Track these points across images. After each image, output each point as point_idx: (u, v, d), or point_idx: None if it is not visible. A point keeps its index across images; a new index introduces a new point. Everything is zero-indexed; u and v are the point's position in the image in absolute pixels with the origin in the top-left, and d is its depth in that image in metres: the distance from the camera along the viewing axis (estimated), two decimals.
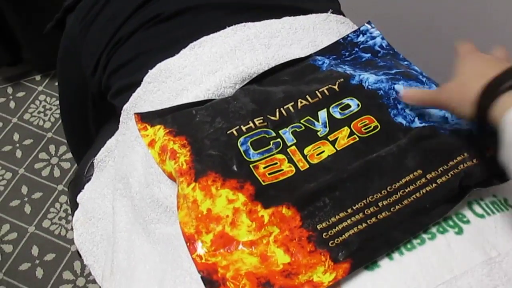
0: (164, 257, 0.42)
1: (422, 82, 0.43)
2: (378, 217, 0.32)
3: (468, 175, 0.34)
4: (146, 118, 0.43)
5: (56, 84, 1.12)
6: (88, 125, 0.67)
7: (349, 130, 0.39)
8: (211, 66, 0.46)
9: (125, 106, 0.51)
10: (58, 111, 1.34)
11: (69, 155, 1.28)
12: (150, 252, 0.44)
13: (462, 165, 0.34)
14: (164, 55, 0.48)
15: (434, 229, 0.32)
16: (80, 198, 0.57)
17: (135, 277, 0.44)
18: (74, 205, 0.60)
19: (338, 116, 0.40)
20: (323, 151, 0.37)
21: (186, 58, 0.47)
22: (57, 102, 1.35)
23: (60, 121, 1.32)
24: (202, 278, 0.32)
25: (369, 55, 0.48)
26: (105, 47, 0.54)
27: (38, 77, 1.37)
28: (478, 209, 0.33)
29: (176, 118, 0.42)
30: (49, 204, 1.20)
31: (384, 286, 0.30)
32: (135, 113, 0.44)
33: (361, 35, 0.49)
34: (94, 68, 0.57)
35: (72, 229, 1.14)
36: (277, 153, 0.38)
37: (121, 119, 0.52)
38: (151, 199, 0.44)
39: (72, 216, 0.60)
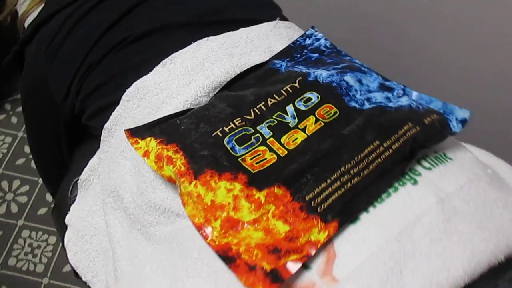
0: (170, 253, 0.46)
1: (365, 72, 0.51)
2: (352, 182, 0.40)
3: (414, 139, 0.42)
4: (136, 133, 0.48)
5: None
6: (61, 150, 0.69)
7: (314, 118, 0.46)
8: (184, 79, 0.52)
9: (105, 125, 0.55)
10: (7, 145, 1.31)
11: (25, 188, 1.26)
12: (154, 253, 0.49)
13: (409, 132, 0.43)
14: (138, 74, 0.53)
15: (396, 184, 0.40)
16: (68, 219, 0.60)
17: (143, 278, 0.48)
18: (62, 228, 0.63)
19: (303, 108, 0.47)
20: (296, 138, 0.45)
21: (160, 74, 0.52)
22: (4, 136, 1.33)
23: (9, 155, 1.30)
24: (220, 256, 0.38)
25: (317, 54, 0.56)
26: (75, 73, 0.58)
27: None
28: (426, 164, 0.42)
29: (163, 129, 0.47)
30: (11, 241, 1.18)
31: (365, 234, 0.38)
32: (125, 130, 0.48)
33: (307, 39, 0.57)
34: (65, 94, 0.60)
35: (40, 262, 1.14)
36: (259, 145, 0.45)
37: (102, 138, 0.56)
38: (147, 205, 0.48)
39: (62, 239, 0.62)
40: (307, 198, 0.40)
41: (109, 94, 0.55)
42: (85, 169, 0.59)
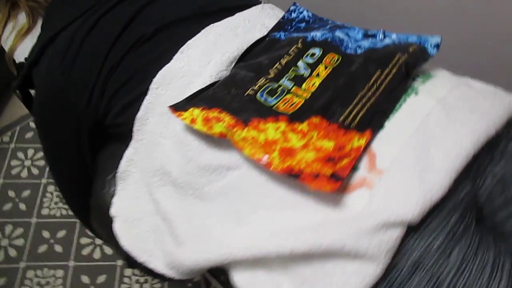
0: (228, 202, 0.54)
1: (348, 27, 0.63)
2: (370, 101, 0.50)
3: (406, 63, 0.53)
4: (178, 107, 0.55)
5: None
6: (85, 158, 0.74)
7: (323, 65, 0.56)
8: (203, 60, 0.60)
9: (138, 116, 0.62)
10: None
11: (19, 231, 1.26)
12: (211, 208, 0.55)
13: (400, 60, 0.54)
14: (159, 65, 0.61)
15: (403, 97, 0.51)
16: (113, 211, 0.65)
17: (207, 230, 0.55)
18: (106, 225, 0.67)
19: (311, 61, 0.57)
20: (314, 83, 0.54)
21: (180, 60, 0.60)
22: None
23: None
24: (288, 176, 0.46)
25: (304, 24, 0.66)
26: (97, 78, 0.64)
27: None
28: (419, 80, 0.53)
29: (201, 99, 0.55)
30: (18, 285, 1.17)
31: (393, 134, 0.48)
32: (169, 106, 0.55)
33: (293, 13, 0.67)
34: (88, 100, 0.66)
35: None
36: (286, 94, 0.54)
37: (135, 128, 0.63)
38: (197, 169, 0.56)
39: (109, 235, 0.67)
40: (340, 119, 0.49)
41: (135, 89, 0.62)
42: (122, 162, 0.65)
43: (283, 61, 0.58)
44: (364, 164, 0.47)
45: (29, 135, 1.49)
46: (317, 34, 0.61)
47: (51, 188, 1.36)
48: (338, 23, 0.65)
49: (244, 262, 0.51)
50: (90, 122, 0.68)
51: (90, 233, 1.26)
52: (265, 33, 0.64)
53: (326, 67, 0.56)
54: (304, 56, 0.58)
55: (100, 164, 0.73)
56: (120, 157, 0.67)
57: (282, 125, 0.50)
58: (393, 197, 0.44)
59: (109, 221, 0.67)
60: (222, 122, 0.51)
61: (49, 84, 0.69)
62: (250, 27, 0.64)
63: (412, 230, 0.44)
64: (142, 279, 1.19)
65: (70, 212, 1.23)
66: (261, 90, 0.54)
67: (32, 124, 1.51)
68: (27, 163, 1.41)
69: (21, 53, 0.86)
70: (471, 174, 0.50)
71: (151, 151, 0.61)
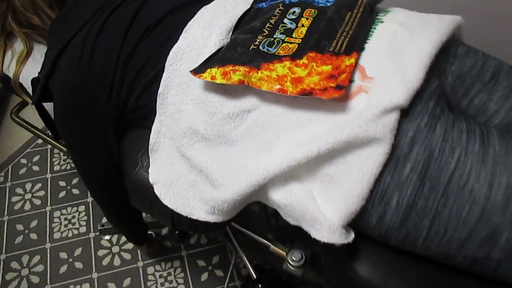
0: (254, 137, 0.65)
1: None
2: (350, 33, 0.64)
3: (369, 3, 0.68)
4: (197, 71, 0.67)
5: None
6: (112, 148, 0.83)
7: (305, 18, 0.70)
8: (205, 34, 0.72)
9: (159, 92, 0.72)
10: None
11: (36, 259, 1.30)
12: (241, 148, 0.66)
13: (363, 2, 0.68)
14: (170, 46, 0.72)
15: (373, 26, 0.65)
16: (152, 179, 0.75)
17: (241, 164, 0.66)
18: (146, 196, 0.77)
19: (294, 17, 0.71)
20: (302, 31, 0.68)
21: (186, 38, 0.72)
22: None
23: (5, 238, 1.33)
24: (301, 95, 0.58)
25: None
26: (115, 70, 0.74)
27: None
28: (381, 13, 0.68)
29: (214, 60, 0.67)
30: None
31: (373, 50, 0.62)
32: (190, 71, 0.67)
33: None
34: (109, 91, 0.76)
35: None
36: (282, 43, 0.67)
37: (158, 103, 0.73)
38: (222, 118, 0.67)
39: (150, 206, 0.76)
40: (330, 50, 0.63)
41: (152, 70, 0.73)
42: (151, 135, 0.75)
43: (272, 21, 0.71)
44: (357, 76, 0.60)
45: (22, 171, 1.54)
46: None
47: (57, 213, 1.42)
48: None
49: (278, 179, 0.63)
50: (113, 111, 0.78)
51: (106, 243, 1.33)
52: (249, 7, 0.77)
53: (307, 19, 0.69)
54: (287, 15, 0.71)
55: (127, 149, 0.83)
56: (146, 136, 0.77)
57: (287, 63, 0.63)
58: (385, 91, 0.57)
59: (148, 193, 0.77)
60: (238, 71, 0.63)
61: (70, 86, 0.78)
62: (236, 3, 0.77)
63: (404, 115, 0.58)
64: (165, 273, 1.27)
65: (82, 230, 1.30)
66: (261, 44, 0.67)
67: (24, 160, 1.56)
68: (28, 196, 1.46)
69: (26, 76, 0.95)
70: (436, 73, 0.65)
71: (176, 118, 0.72)
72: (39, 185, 1.49)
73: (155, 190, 0.75)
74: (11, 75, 0.96)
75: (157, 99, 0.73)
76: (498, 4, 0.99)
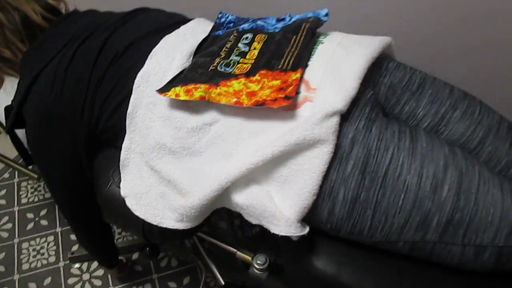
0: (217, 147, 0.72)
1: (265, 18, 0.87)
2: (295, 53, 0.74)
3: (311, 28, 0.78)
4: (163, 89, 0.74)
5: None
6: (84, 168, 0.88)
7: (256, 42, 0.79)
8: (168, 59, 0.80)
9: (128, 111, 0.79)
10: None
11: None
12: (205, 157, 0.74)
13: (306, 27, 0.79)
14: (136, 70, 0.80)
15: (315, 47, 0.76)
16: (123, 193, 0.81)
17: (206, 174, 0.73)
18: (119, 207, 0.82)
19: (247, 42, 0.80)
20: (254, 53, 0.77)
21: (152, 63, 0.80)
22: None
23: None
24: (255, 106, 0.67)
25: (232, 24, 0.90)
26: (86, 92, 0.81)
27: None
28: (322, 37, 0.79)
29: (178, 80, 0.75)
30: None
31: (315, 66, 0.72)
32: (156, 90, 0.74)
33: (222, 18, 0.91)
34: (81, 112, 0.82)
35: None
36: (237, 64, 0.76)
37: (127, 123, 0.80)
38: (187, 132, 0.74)
39: (120, 217, 0.82)
40: (279, 67, 0.72)
41: (120, 92, 0.80)
42: (122, 152, 0.82)
43: (228, 45, 0.80)
44: (303, 88, 0.70)
45: None
46: (245, 26, 0.85)
47: (25, 244, 1.43)
48: (256, 18, 0.89)
49: (239, 183, 0.70)
50: (84, 132, 0.84)
51: (76, 271, 1.34)
52: (206, 35, 0.86)
53: (258, 42, 0.79)
54: (241, 40, 0.81)
55: (99, 167, 0.88)
56: (117, 155, 0.83)
57: (242, 79, 0.72)
58: (327, 99, 0.67)
59: (120, 206, 0.82)
60: (200, 89, 0.71)
61: (43, 111, 0.84)
62: (194, 33, 0.86)
63: (344, 119, 0.67)
64: None
65: (51, 260, 1.32)
66: (219, 65, 0.76)
67: None
68: None
69: None
70: (370, 84, 0.75)
71: (145, 135, 0.79)
72: (6, 218, 1.50)
73: (126, 203, 0.81)
74: None
75: (127, 119, 0.80)
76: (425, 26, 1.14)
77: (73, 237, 1.44)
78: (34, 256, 1.39)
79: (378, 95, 0.77)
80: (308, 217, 0.70)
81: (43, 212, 1.52)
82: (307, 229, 0.69)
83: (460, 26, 1.11)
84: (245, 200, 0.70)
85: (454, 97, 0.78)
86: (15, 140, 0.95)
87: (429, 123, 0.77)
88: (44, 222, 1.48)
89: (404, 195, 0.65)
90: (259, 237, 0.98)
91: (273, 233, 0.69)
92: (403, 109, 0.78)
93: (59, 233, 1.45)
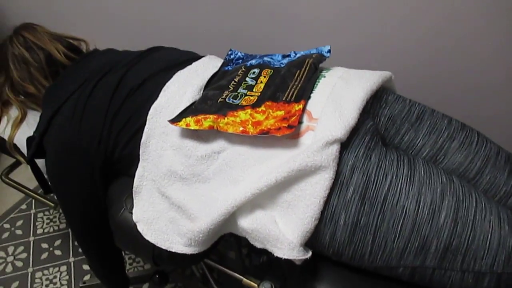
0: (225, 174, 0.76)
1: (271, 54, 0.93)
2: (298, 86, 0.79)
3: (314, 63, 0.84)
4: (174, 120, 0.79)
5: None
6: (99, 194, 0.93)
7: (263, 76, 0.85)
8: (180, 92, 0.86)
9: (142, 141, 0.84)
10: None
11: None
12: (213, 184, 0.77)
13: (309, 62, 0.84)
14: (150, 102, 0.85)
15: (317, 80, 0.80)
16: (135, 218, 0.85)
17: (214, 199, 0.76)
18: (131, 232, 0.86)
19: (254, 76, 0.86)
20: (260, 86, 0.82)
21: (165, 95, 0.86)
22: None
23: None
24: (260, 134, 0.71)
25: (241, 60, 0.96)
26: (103, 124, 0.87)
27: None
28: (324, 71, 0.84)
29: (189, 111, 0.80)
30: None
31: (317, 98, 0.76)
32: (168, 120, 0.79)
33: (231, 55, 0.97)
34: (98, 141, 0.87)
35: None
36: (245, 96, 0.81)
37: (140, 152, 0.85)
38: (197, 159, 0.78)
39: (132, 241, 0.85)
40: (283, 98, 0.77)
41: (135, 123, 0.86)
42: (135, 180, 0.86)
43: (236, 79, 0.86)
44: (305, 118, 0.74)
45: (5, 235, 1.59)
46: (253, 61, 0.90)
47: (39, 274, 1.46)
48: (263, 54, 0.95)
49: (245, 208, 0.74)
50: (100, 160, 0.89)
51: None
52: (216, 70, 0.92)
53: (265, 77, 0.85)
54: (248, 74, 0.87)
55: (113, 194, 0.93)
56: (130, 182, 0.88)
57: (248, 110, 0.76)
58: (327, 128, 0.71)
59: (132, 232, 0.86)
60: (209, 119, 0.76)
61: (62, 141, 0.89)
62: (205, 68, 0.92)
63: (345, 148, 0.71)
64: None
65: None
66: (227, 97, 0.81)
67: (7, 225, 1.61)
68: (10, 259, 1.50)
69: (20, 138, 1.06)
70: (370, 115, 0.79)
71: (157, 163, 0.83)
72: (21, 247, 1.54)
73: (138, 228, 0.84)
74: (6, 138, 1.07)
75: (140, 148, 0.85)
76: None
77: (85, 267, 1.46)
78: (47, 286, 1.42)
79: (378, 125, 0.81)
80: (311, 242, 0.72)
81: (57, 243, 1.55)
82: (309, 253, 0.71)
83: (464, 69, 1.17)
84: (250, 225, 0.73)
85: (452, 127, 0.82)
86: (35, 170, 1.00)
87: (428, 153, 0.81)
88: (58, 252, 1.52)
89: (403, 220, 0.67)
90: (266, 266, 1.00)
91: (279, 261, 0.72)
92: (403, 139, 0.82)
93: (72, 263, 1.48)
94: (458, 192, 0.69)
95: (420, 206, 0.67)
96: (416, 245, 0.67)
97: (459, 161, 0.79)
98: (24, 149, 1.06)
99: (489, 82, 1.18)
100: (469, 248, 0.66)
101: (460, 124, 0.83)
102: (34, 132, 0.96)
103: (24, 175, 1.30)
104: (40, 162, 1.00)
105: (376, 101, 0.82)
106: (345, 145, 0.71)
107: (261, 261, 1.01)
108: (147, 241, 0.83)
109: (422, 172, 0.71)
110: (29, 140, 0.96)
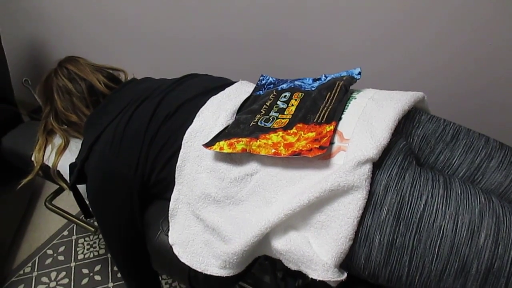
0: (257, 196, 0.77)
1: (302, 78, 0.95)
2: (329, 108, 0.80)
3: (344, 85, 0.85)
4: (208, 144, 0.82)
5: None
6: (137, 221, 0.95)
7: (294, 99, 0.86)
8: (214, 117, 0.89)
9: (177, 164, 0.87)
10: None
11: None
12: (246, 206, 0.79)
13: (340, 85, 0.85)
14: (185, 127, 0.88)
15: (348, 102, 0.81)
16: (171, 241, 0.87)
17: (247, 221, 0.77)
18: (167, 256, 0.87)
19: (285, 99, 0.87)
20: (292, 109, 0.84)
21: (199, 120, 0.88)
22: None
23: None
24: (292, 156, 0.72)
25: (272, 85, 0.98)
26: (141, 149, 0.90)
27: None
28: (355, 93, 0.85)
29: (222, 135, 0.82)
30: None
31: (348, 119, 0.77)
32: (202, 144, 0.82)
33: (263, 80, 1.00)
34: (136, 167, 0.90)
35: None
36: (276, 119, 0.82)
37: (176, 175, 0.87)
38: (230, 182, 0.80)
39: (169, 264, 0.87)
40: (315, 120, 0.78)
41: (171, 147, 0.89)
42: (171, 203, 0.88)
43: (268, 103, 0.87)
44: (337, 139, 0.75)
45: (48, 261, 1.64)
46: (284, 86, 0.92)
47: None
48: (294, 78, 0.97)
49: (278, 229, 0.74)
50: (138, 185, 0.92)
51: None
52: (248, 95, 0.94)
53: (296, 100, 0.86)
54: (280, 98, 0.88)
55: (149, 218, 0.95)
56: (166, 206, 0.90)
57: (280, 133, 0.78)
58: (359, 148, 0.71)
59: (168, 254, 0.87)
60: (241, 142, 0.78)
61: (103, 166, 0.93)
62: (238, 93, 0.95)
63: (377, 167, 0.71)
64: None
65: None
66: (259, 120, 0.83)
67: (50, 251, 1.67)
68: (52, 284, 1.55)
69: (63, 165, 1.12)
70: (403, 135, 0.79)
71: (192, 186, 0.85)
72: (63, 273, 1.58)
73: (174, 250, 0.86)
74: (50, 165, 1.12)
75: (176, 171, 0.87)
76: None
77: None
78: None
79: (412, 145, 0.81)
80: (347, 264, 0.72)
81: (97, 268, 1.59)
82: (345, 274, 0.70)
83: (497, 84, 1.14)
84: (284, 246, 0.73)
85: (489, 147, 0.80)
86: (77, 195, 1.05)
87: (465, 173, 0.79)
88: (97, 277, 1.55)
89: (440, 240, 0.66)
90: None
91: (315, 284, 0.71)
92: (438, 158, 0.80)
93: None
94: (498, 212, 0.67)
95: (458, 226, 0.65)
96: (456, 267, 0.65)
97: (498, 181, 0.77)
98: (67, 176, 1.11)
99: None
100: None
101: (498, 143, 0.81)
102: (76, 159, 1.01)
103: (67, 201, 1.35)
104: (82, 188, 1.04)
105: (408, 121, 0.81)
106: (378, 165, 0.71)
107: (296, 285, 1.00)
108: (183, 263, 0.85)
109: (459, 192, 0.69)
110: (71, 166, 1.01)
